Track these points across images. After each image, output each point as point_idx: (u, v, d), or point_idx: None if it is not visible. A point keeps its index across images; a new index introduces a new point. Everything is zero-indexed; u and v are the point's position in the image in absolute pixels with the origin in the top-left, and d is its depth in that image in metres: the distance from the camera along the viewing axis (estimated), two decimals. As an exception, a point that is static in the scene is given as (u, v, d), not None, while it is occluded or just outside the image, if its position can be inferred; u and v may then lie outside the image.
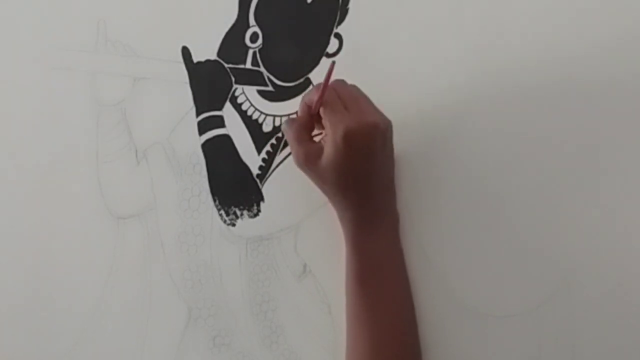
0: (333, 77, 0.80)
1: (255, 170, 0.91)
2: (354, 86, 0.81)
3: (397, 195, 0.82)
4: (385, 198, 0.81)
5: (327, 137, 0.79)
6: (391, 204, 0.81)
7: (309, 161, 0.80)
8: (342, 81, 0.81)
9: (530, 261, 0.76)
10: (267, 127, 0.90)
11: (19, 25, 1.07)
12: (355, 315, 0.79)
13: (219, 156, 0.92)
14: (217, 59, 0.93)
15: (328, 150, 0.78)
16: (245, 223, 0.91)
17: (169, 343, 0.93)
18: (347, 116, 0.77)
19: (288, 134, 0.83)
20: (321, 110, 0.80)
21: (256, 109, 0.91)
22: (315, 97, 0.80)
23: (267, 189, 0.90)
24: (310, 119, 0.82)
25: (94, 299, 0.99)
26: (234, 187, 0.91)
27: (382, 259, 0.80)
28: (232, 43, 0.92)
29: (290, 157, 0.88)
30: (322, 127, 0.81)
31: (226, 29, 0.92)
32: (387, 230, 0.80)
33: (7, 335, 1.05)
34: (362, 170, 0.78)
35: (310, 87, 0.86)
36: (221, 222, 0.92)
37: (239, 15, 0.92)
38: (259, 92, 0.91)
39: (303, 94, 0.85)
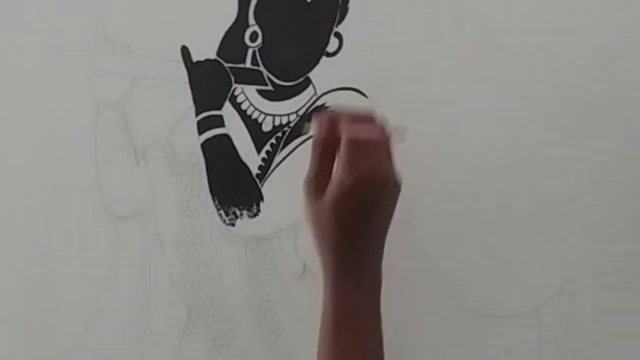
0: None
1: (254, 170, 0.90)
2: (381, 126, 0.77)
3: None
4: (375, 250, 0.78)
5: (336, 174, 0.76)
6: (377, 264, 0.78)
7: (312, 191, 0.78)
8: (371, 117, 0.77)
9: (530, 261, 0.76)
10: (266, 127, 0.90)
11: (18, 25, 1.07)
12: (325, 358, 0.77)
13: (219, 156, 0.92)
14: (217, 58, 0.93)
15: (331, 192, 0.75)
16: (244, 223, 0.91)
17: (168, 343, 0.93)
18: (365, 162, 0.74)
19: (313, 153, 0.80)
20: (343, 139, 0.75)
21: (256, 109, 0.91)
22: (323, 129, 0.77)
23: (266, 188, 0.90)
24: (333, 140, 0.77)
25: (93, 299, 0.98)
26: (234, 187, 0.91)
27: (362, 310, 0.76)
28: (232, 42, 0.92)
29: (290, 157, 0.89)
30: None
31: (226, 28, 0.92)
32: (369, 288, 0.77)
33: (6, 335, 1.05)
34: (361, 220, 0.75)
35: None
36: (221, 222, 0.92)
37: (238, 15, 0.92)
38: (259, 91, 0.91)
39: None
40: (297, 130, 0.89)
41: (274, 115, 0.90)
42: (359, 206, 0.74)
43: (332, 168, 0.78)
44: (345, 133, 0.75)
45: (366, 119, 0.77)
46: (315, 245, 0.79)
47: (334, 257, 0.77)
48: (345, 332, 0.76)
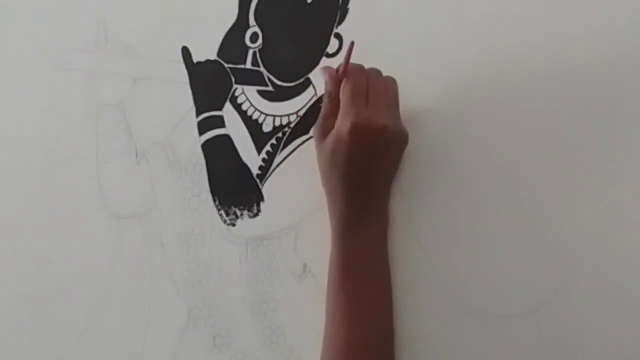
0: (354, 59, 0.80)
1: (255, 170, 0.91)
2: (389, 80, 0.81)
3: (397, 195, 0.82)
4: (377, 199, 0.81)
5: (337, 122, 0.79)
6: (382, 207, 0.81)
7: (320, 136, 0.81)
8: (377, 72, 0.81)
9: (530, 261, 0.76)
10: (267, 127, 0.90)
11: (19, 25, 1.07)
12: (333, 311, 0.79)
13: (219, 156, 0.92)
14: (217, 59, 0.93)
15: (331, 137, 0.79)
16: (245, 223, 0.91)
17: (169, 343, 0.93)
18: (362, 111, 0.77)
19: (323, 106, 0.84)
20: (341, 93, 0.80)
21: (256, 109, 0.91)
22: (330, 81, 0.81)
23: (267, 189, 0.90)
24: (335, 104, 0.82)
25: (94, 299, 0.99)
26: (234, 187, 0.91)
27: (366, 258, 0.80)
28: (232, 43, 0.92)
29: (290, 157, 0.89)
30: None
31: (226, 29, 0.93)
32: (375, 231, 0.80)
33: (6, 335, 1.05)
34: (357, 167, 0.78)
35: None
36: (221, 222, 0.92)
37: (239, 15, 0.92)
38: (259, 92, 0.91)
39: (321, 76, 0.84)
40: None
41: (274, 116, 0.90)
42: (354, 151, 0.77)
43: (337, 117, 0.80)
44: (347, 82, 0.79)
45: (374, 73, 0.80)
46: (325, 191, 0.82)
47: (335, 203, 0.80)
48: (351, 280, 0.78)
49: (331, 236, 0.81)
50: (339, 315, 0.79)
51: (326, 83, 0.82)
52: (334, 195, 0.80)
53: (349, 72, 0.80)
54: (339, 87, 0.80)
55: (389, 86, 0.80)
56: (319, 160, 0.82)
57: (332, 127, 0.80)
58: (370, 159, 0.78)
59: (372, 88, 0.79)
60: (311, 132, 0.85)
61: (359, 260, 0.79)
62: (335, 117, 0.80)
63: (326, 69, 0.82)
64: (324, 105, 0.83)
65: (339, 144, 0.78)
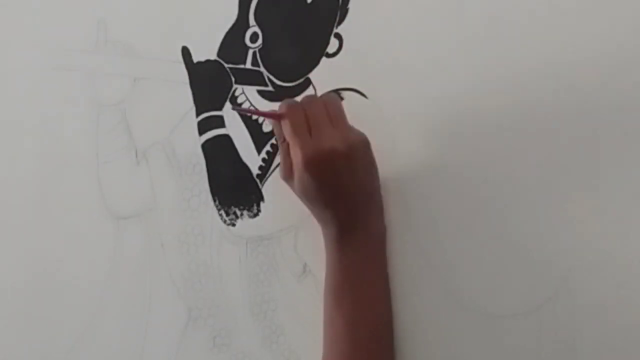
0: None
1: (255, 170, 0.91)
2: (327, 97, 0.81)
3: (397, 195, 0.82)
4: (365, 211, 0.80)
5: (293, 162, 0.80)
6: (373, 216, 0.81)
7: (286, 176, 0.83)
8: (312, 97, 0.82)
9: (531, 261, 0.76)
10: (267, 127, 0.90)
11: (19, 25, 1.07)
12: (331, 323, 0.79)
13: (219, 156, 0.92)
14: (217, 59, 0.93)
15: (295, 174, 0.79)
16: (245, 223, 0.91)
17: (169, 343, 0.93)
18: (306, 142, 0.77)
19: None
20: (285, 132, 0.80)
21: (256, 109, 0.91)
22: (274, 126, 0.83)
23: (267, 189, 0.90)
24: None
25: (94, 299, 0.99)
26: (234, 187, 0.91)
27: (361, 273, 0.79)
28: (232, 43, 0.92)
29: (291, 157, 0.89)
30: None
31: (226, 29, 0.93)
32: (369, 243, 0.80)
33: (7, 335, 1.05)
34: (330, 192, 0.78)
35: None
36: (221, 222, 0.92)
37: (239, 15, 0.92)
38: (259, 92, 0.91)
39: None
40: None
41: (274, 116, 0.90)
42: (318, 181, 0.77)
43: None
44: (284, 121, 0.80)
45: (307, 100, 0.81)
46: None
47: (325, 227, 0.81)
48: (347, 297, 0.78)
49: (325, 252, 0.81)
50: (337, 329, 0.78)
51: (273, 128, 0.84)
52: (322, 221, 0.81)
53: (282, 113, 0.80)
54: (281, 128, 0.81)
55: (328, 103, 0.80)
56: (297, 195, 0.82)
57: (290, 164, 0.81)
58: (338, 181, 0.78)
59: (310, 115, 0.79)
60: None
61: (356, 277, 0.79)
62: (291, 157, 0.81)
63: (268, 117, 0.84)
64: (279, 149, 0.84)
65: (302, 179, 0.78)
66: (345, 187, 0.78)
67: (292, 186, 0.82)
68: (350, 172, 0.78)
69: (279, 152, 0.85)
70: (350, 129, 0.79)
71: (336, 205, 0.79)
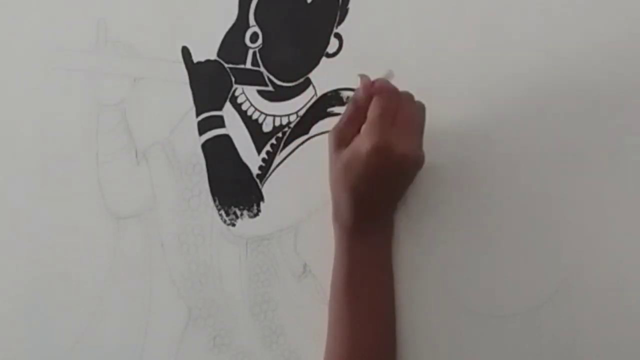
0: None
1: (255, 170, 0.91)
2: (419, 106, 0.79)
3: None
4: (384, 213, 0.81)
5: (359, 136, 0.77)
6: (388, 218, 0.81)
7: (337, 139, 0.79)
8: (410, 97, 0.79)
9: (530, 261, 0.76)
10: (267, 127, 0.90)
11: (19, 25, 1.07)
12: (337, 320, 0.79)
13: (219, 156, 0.92)
14: (217, 59, 0.93)
15: (348, 150, 0.77)
16: (245, 223, 0.91)
17: (169, 343, 0.93)
18: (386, 133, 0.75)
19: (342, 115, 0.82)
20: (371, 108, 0.77)
21: (256, 109, 0.91)
22: (363, 90, 0.78)
23: (267, 189, 0.90)
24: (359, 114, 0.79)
25: (94, 299, 0.99)
26: (234, 187, 0.91)
27: (370, 267, 0.79)
28: (232, 43, 0.92)
29: (290, 157, 0.89)
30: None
31: (226, 29, 0.93)
32: (379, 240, 0.80)
33: (7, 334, 1.05)
34: (368, 186, 0.77)
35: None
36: (221, 222, 0.92)
37: (239, 15, 0.92)
38: (259, 92, 0.91)
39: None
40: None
41: (274, 116, 0.90)
42: (368, 173, 0.76)
43: (358, 127, 0.78)
44: (378, 100, 0.77)
45: (406, 98, 0.79)
46: (331, 195, 0.81)
47: (340, 211, 0.80)
48: (355, 289, 0.79)
49: (335, 243, 0.81)
50: (343, 324, 0.79)
51: (357, 90, 0.80)
52: (340, 204, 0.80)
53: (385, 89, 0.78)
54: (370, 99, 0.78)
55: (418, 113, 0.79)
56: (330, 167, 0.80)
57: (350, 135, 0.78)
58: (384, 182, 0.77)
59: (401, 112, 0.77)
60: (310, 132, 0.85)
61: (363, 269, 0.79)
62: (355, 126, 0.78)
63: (364, 77, 0.80)
64: (346, 110, 0.80)
65: (354, 161, 0.76)
66: (386, 186, 0.78)
67: (334, 157, 0.79)
68: (398, 183, 0.79)
69: (345, 112, 0.80)
70: (421, 145, 0.78)
71: (366, 196, 0.78)
